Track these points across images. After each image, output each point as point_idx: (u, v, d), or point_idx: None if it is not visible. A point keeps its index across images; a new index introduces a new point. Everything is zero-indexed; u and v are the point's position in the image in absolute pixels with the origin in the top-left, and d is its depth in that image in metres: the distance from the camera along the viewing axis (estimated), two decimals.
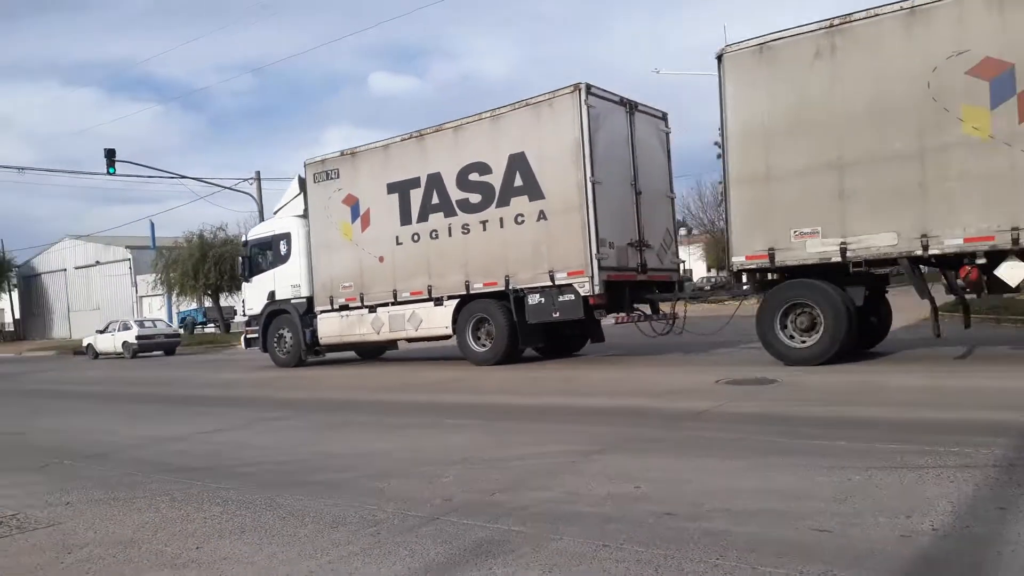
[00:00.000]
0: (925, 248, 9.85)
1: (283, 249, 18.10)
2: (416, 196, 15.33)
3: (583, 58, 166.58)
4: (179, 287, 37.76)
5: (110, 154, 28.94)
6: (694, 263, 66.50)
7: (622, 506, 4.46)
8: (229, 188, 34.88)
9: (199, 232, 37.75)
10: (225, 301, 39.22)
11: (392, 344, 18.03)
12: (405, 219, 15.49)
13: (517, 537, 4.01)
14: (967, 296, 10.63)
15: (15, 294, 55.97)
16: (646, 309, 14.64)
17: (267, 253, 18.60)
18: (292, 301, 17.83)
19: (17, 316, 55.54)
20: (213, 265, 36.07)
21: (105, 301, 49.25)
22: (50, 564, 4.10)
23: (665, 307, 14.44)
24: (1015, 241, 9.25)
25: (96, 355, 32.19)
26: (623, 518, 4.23)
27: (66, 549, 4.34)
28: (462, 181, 14.60)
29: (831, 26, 10.44)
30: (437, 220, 15.00)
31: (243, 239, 21.32)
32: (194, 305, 40.92)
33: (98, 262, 49.74)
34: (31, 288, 56.20)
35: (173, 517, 4.90)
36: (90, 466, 6.86)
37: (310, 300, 17.39)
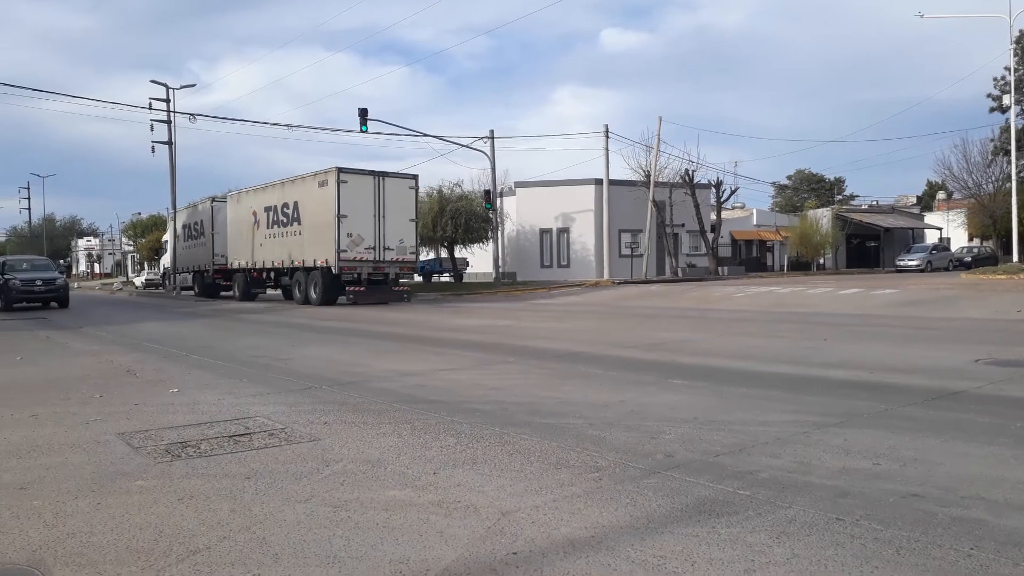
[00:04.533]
0: (254, 266, 29.33)
1: (165, 249, 42.18)
2: (199, 233, 34.97)
3: (829, 3, 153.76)
4: (419, 238, 40.40)
5: (363, 113, 31.34)
6: (953, 231, 59.34)
7: (859, 482, 4.19)
8: (465, 146, 36.48)
9: (438, 188, 40.05)
10: (459, 253, 41.42)
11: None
12: (189, 240, 36.28)
13: (743, 500, 3.90)
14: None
15: None
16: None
17: (161, 248, 45.75)
18: (168, 269, 40.23)
19: None
20: (450, 219, 38.08)
21: None
22: (312, 473, 4.64)
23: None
24: (284, 263, 27.54)
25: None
26: (860, 494, 3.96)
27: (324, 462, 4.89)
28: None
29: (237, 192, 31.30)
30: (208, 242, 33.41)
31: (163, 239, 45.67)
32: (431, 255, 43.59)
33: None
34: None
35: (413, 443, 5.33)
36: (343, 392, 7.64)
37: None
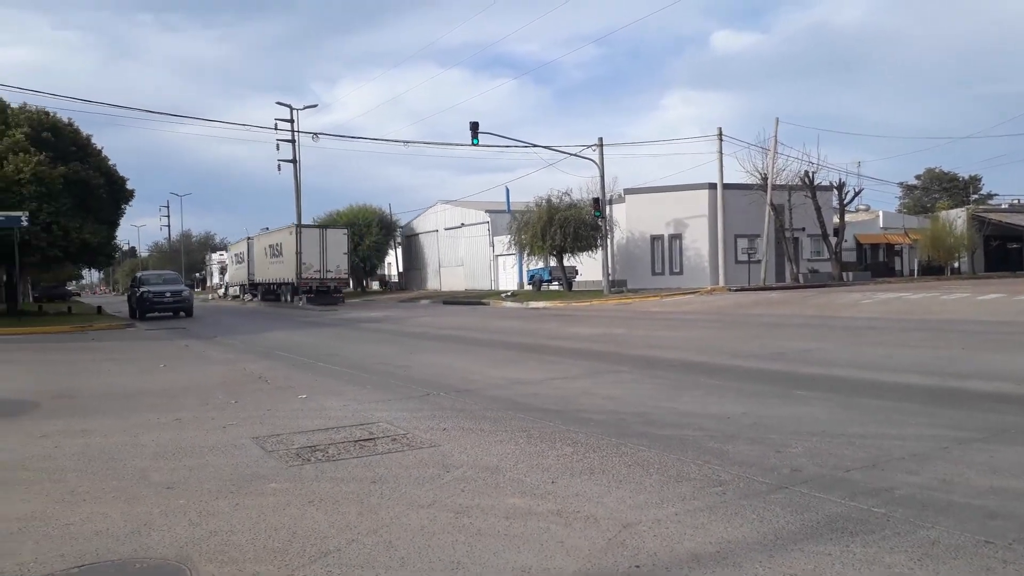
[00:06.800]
0: (267, 281, 47.27)
1: (226, 268, 63.03)
2: (242, 260, 52.11)
3: None
4: (529, 247, 40.55)
5: (474, 127, 31.85)
6: None
7: (1010, 502, 3.89)
8: (574, 155, 36.41)
9: (547, 197, 40.07)
10: (568, 261, 41.34)
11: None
12: (237, 263, 54.44)
13: (878, 519, 3.71)
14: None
15: (399, 251, 64.98)
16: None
17: (222, 268, 69.21)
18: (228, 282, 62.25)
19: (401, 270, 64.43)
20: (559, 228, 38.00)
21: (468, 259, 54.85)
22: (433, 479, 4.74)
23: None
24: (279, 280, 44.35)
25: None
26: (1012, 516, 3.69)
27: (445, 468, 4.98)
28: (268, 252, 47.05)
29: (258, 234, 50.20)
30: (246, 265, 50.37)
31: (221, 267, 71.93)
32: (540, 264, 43.72)
33: (463, 224, 55.40)
34: (411, 246, 64.76)
35: (530, 451, 5.36)
36: (460, 399, 7.78)
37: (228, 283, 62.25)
